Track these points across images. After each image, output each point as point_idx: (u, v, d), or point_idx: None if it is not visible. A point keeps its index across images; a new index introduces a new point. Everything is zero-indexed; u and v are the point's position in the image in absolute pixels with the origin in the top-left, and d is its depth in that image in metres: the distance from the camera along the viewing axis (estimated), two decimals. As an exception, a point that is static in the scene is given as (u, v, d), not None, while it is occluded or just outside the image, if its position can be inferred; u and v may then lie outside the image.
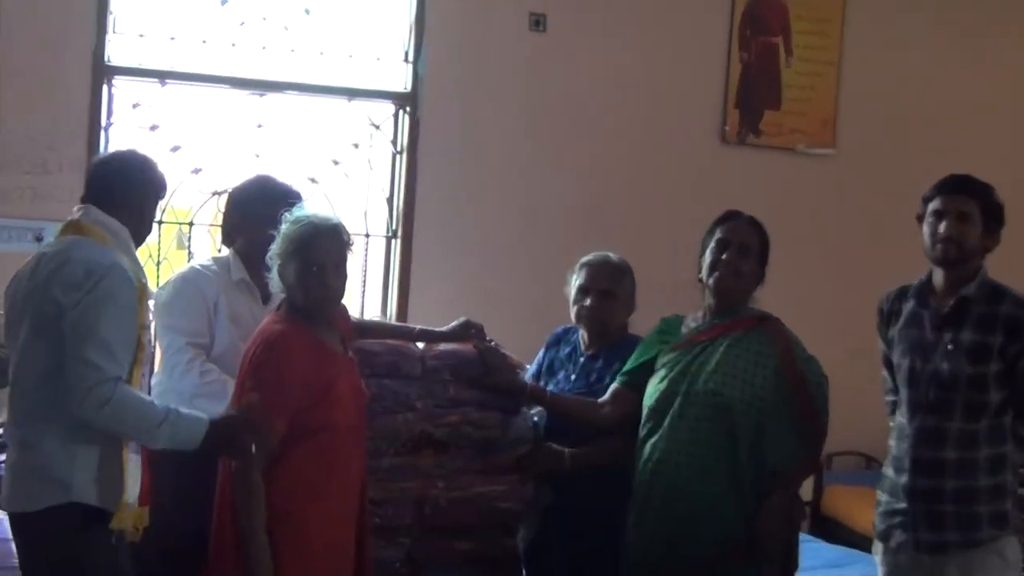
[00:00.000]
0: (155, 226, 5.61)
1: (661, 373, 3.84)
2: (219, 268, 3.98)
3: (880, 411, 5.30)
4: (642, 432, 3.83)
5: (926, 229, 3.74)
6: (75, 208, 3.51)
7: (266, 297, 3.95)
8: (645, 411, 3.84)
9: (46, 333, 3.29)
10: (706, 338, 3.83)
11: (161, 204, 5.59)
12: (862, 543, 5.65)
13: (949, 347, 3.65)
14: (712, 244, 3.84)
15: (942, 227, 3.67)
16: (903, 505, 3.72)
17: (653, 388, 3.84)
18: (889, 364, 3.91)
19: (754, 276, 3.86)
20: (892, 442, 3.82)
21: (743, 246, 3.81)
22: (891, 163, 6.75)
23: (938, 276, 3.76)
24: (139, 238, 3.58)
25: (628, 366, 3.99)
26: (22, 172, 5.68)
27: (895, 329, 3.83)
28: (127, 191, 3.52)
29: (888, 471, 3.82)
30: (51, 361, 3.28)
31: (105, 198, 3.49)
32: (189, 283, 3.93)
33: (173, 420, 3.24)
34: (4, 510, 3.36)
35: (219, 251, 4.46)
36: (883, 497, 3.83)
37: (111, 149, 5.73)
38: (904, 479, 3.71)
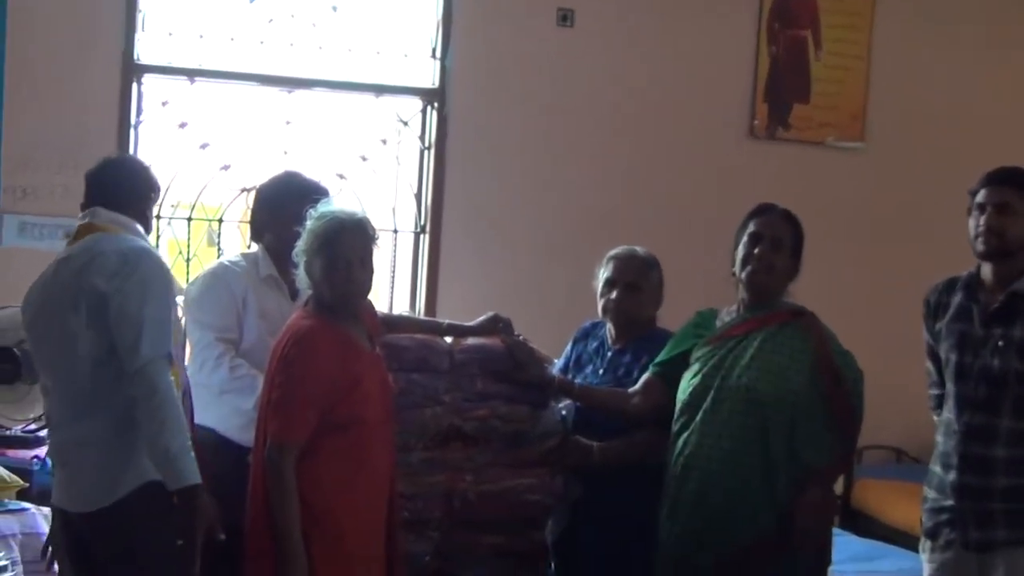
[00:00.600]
0: (182, 221, 5.81)
1: (695, 368, 3.83)
2: (248, 264, 4.01)
3: (911, 405, 5.32)
4: (675, 426, 3.82)
5: (971, 223, 3.70)
6: (80, 216, 3.55)
7: (294, 293, 3.96)
8: (679, 405, 3.83)
9: (93, 324, 3.32)
10: (740, 332, 3.80)
11: (191, 201, 5.76)
12: (893, 537, 5.65)
13: (1000, 343, 3.60)
14: (745, 238, 3.81)
15: (983, 219, 3.64)
16: (951, 503, 3.66)
17: (687, 383, 3.83)
18: (935, 357, 3.85)
19: (787, 270, 3.82)
20: (939, 438, 3.77)
21: (776, 240, 3.78)
22: (921, 157, 6.72)
23: (986, 270, 3.70)
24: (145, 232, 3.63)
25: (661, 357, 3.97)
26: (53, 170, 5.72)
27: (942, 322, 3.77)
28: (131, 194, 3.56)
29: (935, 468, 3.76)
30: (100, 351, 3.33)
31: (110, 201, 3.53)
32: (218, 279, 3.96)
33: (189, 447, 3.27)
34: (77, 511, 3.37)
35: (248, 247, 4.47)
36: (930, 494, 3.78)
37: (131, 148, 5.79)
38: (952, 476, 3.66)
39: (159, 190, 3.72)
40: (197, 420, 3.67)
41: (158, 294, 3.35)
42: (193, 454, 3.26)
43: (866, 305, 6.37)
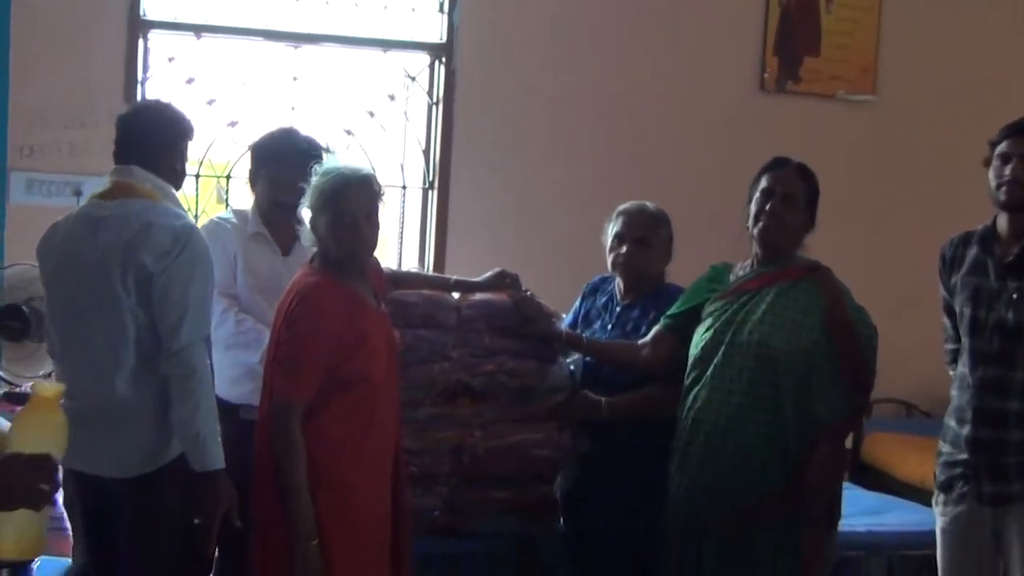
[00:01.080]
0: (191, 177, 5.79)
1: (707, 322, 3.81)
2: (238, 221, 4.05)
3: (922, 359, 5.32)
4: (687, 381, 3.81)
5: (991, 173, 3.66)
6: (115, 167, 3.54)
7: (286, 249, 3.98)
8: (690, 360, 3.82)
9: (139, 299, 3.36)
10: (753, 287, 3.77)
11: (199, 158, 5.75)
12: (902, 490, 5.65)
13: (1014, 296, 3.58)
14: (757, 193, 3.77)
15: (1007, 170, 3.60)
16: (965, 456, 3.66)
17: (699, 338, 3.82)
18: (950, 312, 3.83)
19: (800, 225, 3.77)
20: (954, 392, 3.76)
21: (787, 195, 3.74)
22: (932, 110, 6.67)
23: (1002, 222, 3.68)
24: (176, 188, 3.64)
25: (672, 310, 3.96)
26: (60, 127, 5.70)
27: (958, 276, 3.75)
28: (160, 145, 3.56)
29: (950, 421, 3.76)
30: (142, 323, 3.37)
31: (140, 154, 3.52)
32: (212, 236, 3.94)
33: (214, 433, 3.37)
34: (111, 475, 3.40)
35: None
36: (945, 448, 3.77)
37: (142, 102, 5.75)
38: (966, 430, 3.65)
39: (191, 132, 3.69)
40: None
41: (202, 277, 3.41)
42: (220, 439, 3.35)
43: (877, 259, 6.35)
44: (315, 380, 3.29)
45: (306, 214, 3.47)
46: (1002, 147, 3.64)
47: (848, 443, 5.92)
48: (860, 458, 6.43)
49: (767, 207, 3.73)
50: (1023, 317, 3.56)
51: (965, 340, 3.70)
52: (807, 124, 6.45)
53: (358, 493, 3.34)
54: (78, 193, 5.43)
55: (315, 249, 3.50)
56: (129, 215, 3.39)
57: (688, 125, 6.43)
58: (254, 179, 4.07)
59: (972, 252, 3.74)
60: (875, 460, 6.31)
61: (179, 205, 3.57)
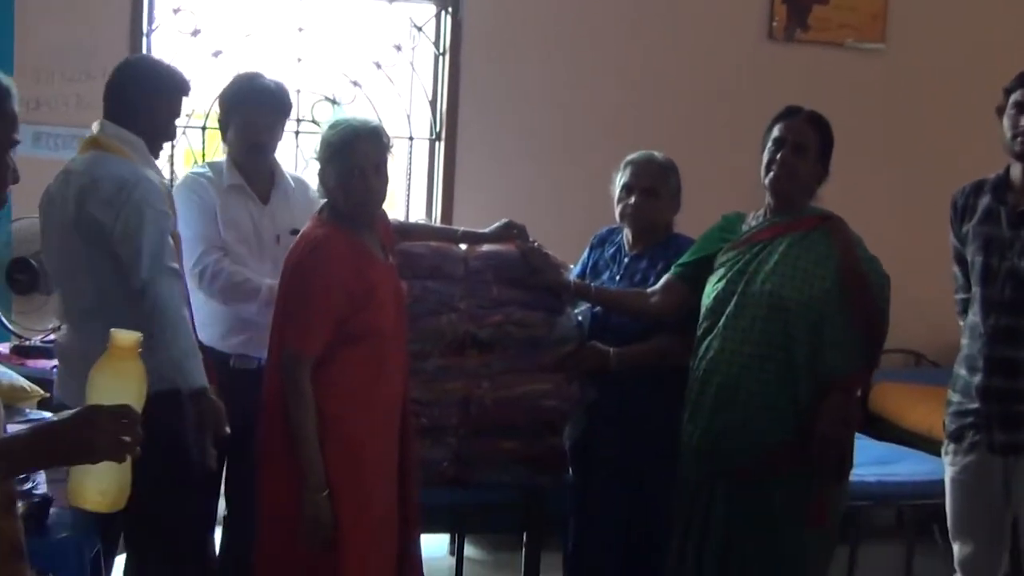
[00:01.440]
0: (197, 130, 5.78)
1: (719, 272, 3.80)
2: (213, 174, 4.06)
3: (931, 309, 5.32)
4: (699, 331, 3.81)
5: (1006, 122, 3.63)
6: (94, 124, 3.61)
7: (264, 197, 3.99)
8: (703, 310, 3.82)
9: (93, 246, 3.45)
10: (766, 237, 3.76)
11: (205, 110, 5.73)
12: (910, 440, 5.66)
13: None
14: (769, 143, 3.75)
15: (1023, 120, 3.57)
16: (976, 405, 3.67)
17: (711, 287, 3.81)
18: (961, 261, 3.83)
19: (812, 175, 3.75)
20: (964, 341, 3.76)
21: (799, 145, 3.71)
22: (942, 58, 6.61)
23: (1016, 171, 3.65)
24: (155, 145, 3.65)
25: (684, 259, 3.95)
26: (66, 79, 5.68)
27: (969, 225, 3.74)
28: (134, 100, 3.58)
29: (960, 370, 3.76)
30: (102, 270, 3.46)
31: (116, 110, 3.59)
32: (191, 191, 4.00)
33: (195, 351, 3.48)
34: None
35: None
36: (955, 397, 3.78)
37: (151, 54, 5.72)
38: (977, 379, 3.65)
39: (177, 88, 3.68)
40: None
41: (154, 218, 3.43)
42: (200, 358, 3.45)
43: (886, 209, 6.32)
44: (325, 332, 3.30)
45: (314, 166, 3.48)
46: (1017, 95, 3.60)
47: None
48: (869, 408, 6.44)
49: (778, 156, 3.71)
50: None
51: (977, 289, 3.69)
52: (816, 73, 6.41)
53: (367, 445, 3.36)
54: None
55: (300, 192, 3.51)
56: (81, 169, 3.49)
57: (696, 74, 6.38)
58: (225, 128, 4.09)
59: (984, 201, 3.72)
60: (883, 410, 6.31)
61: (147, 160, 3.59)
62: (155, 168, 3.63)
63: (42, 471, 4.05)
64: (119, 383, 2.10)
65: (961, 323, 3.87)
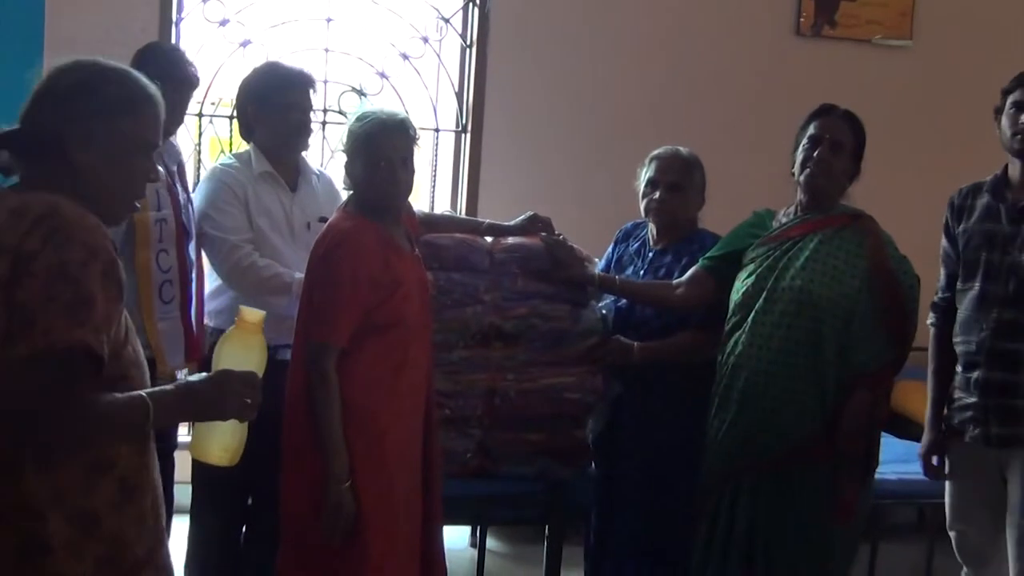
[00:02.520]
0: (223, 119, 5.80)
1: (749, 268, 3.81)
2: (241, 164, 4.05)
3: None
4: (727, 326, 3.82)
5: (1005, 121, 3.70)
6: None
7: (292, 185, 4.01)
8: (731, 306, 3.83)
9: None
10: (796, 234, 3.77)
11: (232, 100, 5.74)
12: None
13: None
14: (804, 140, 3.76)
15: (1022, 118, 3.62)
16: (973, 399, 3.71)
17: (740, 283, 3.82)
18: (948, 261, 3.89)
19: (846, 173, 3.78)
20: (958, 338, 3.79)
21: (835, 143, 3.73)
22: (970, 55, 6.58)
23: (1015, 169, 3.72)
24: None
25: (713, 252, 3.96)
26: (95, 68, 5.71)
27: (966, 224, 3.79)
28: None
29: (957, 367, 3.81)
30: None
31: None
32: (220, 183, 3.99)
33: None
34: None
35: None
36: (956, 393, 3.83)
37: (180, 44, 5.74)
38: (977, 373, 3.69)
39: (178, 80, 3.81)
40: (217, 325, 3.98)
41: None
42: None
43: (911, 205, 6.30)
44: (351, 323, 3.31)
45: (340, 158, 3.50)
46: (1016, 95, 3.68)
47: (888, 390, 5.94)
48: (890, 405, 6.42)
49: (815, 154, 3.72)
50: None
51: (977, 285, 3.72)
52: (843, 69, 6.39)
53: (390, 436, 3.37)
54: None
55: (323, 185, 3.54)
56: None
57: (723, 70, 6.37)
58: (255, 118, 4.07)
59: (983, 200, 3.77)
60: (905, 408, 6.29)
61: None
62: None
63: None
64: (246, 353, 2.37)
65: (929, 324, 3.93)
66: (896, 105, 6.47)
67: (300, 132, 4.05)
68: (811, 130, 3.75)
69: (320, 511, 3.28)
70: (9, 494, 2.14)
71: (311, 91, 4.09)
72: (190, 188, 4.15)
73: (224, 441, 2.40)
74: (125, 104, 2.28)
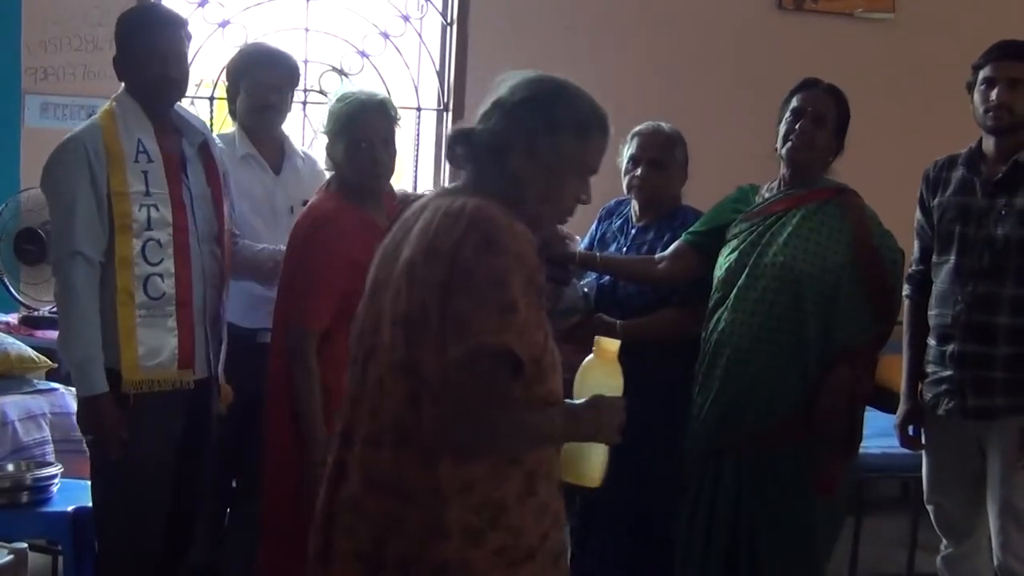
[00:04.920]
0: (205, 100, 5.76)
1: (732, 244, 3.80)
2: (225, 144, 3.96)
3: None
4: (711, 303, 3.82)
5: (977, 97, 3.72)
6: None
7: (276, 168, 3.98)
8: (715, 282, 3.82)
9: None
10: (779, 209, 3.76)
11: (213, 80, 5.70)
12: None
13: (1003, 212, 3.64)
14: (787, 113, 3.75)
15: (993, 94, 3.65)
16: (949, 372, 3.72)
17: (723, 259, 3.81)
18: (922, 234, 3.90)
19: (829, 147, 3.77)
20: (933, 311, 3.80)
21: (818, 116, 3.72)
22: (952, 27, 6.57)
23: (988, 144, 3.73)
24: (150, 95, 3.43)
25: (696, 227, 3.94)
26: (72, 49, 5.68)
27: (941, 197, 3.80)
28: (118, 53, 3.50)
29: (931, 341, 3.82)
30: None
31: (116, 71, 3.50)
32: None
33: (87, 358, 3.30)
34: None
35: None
36: (930, 368, 3.84)
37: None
38: (951, 346, 3.70)
39: (145, 24, 3.47)
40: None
41: (59, 192, 3.34)
42: (99, 364, 3.29)
43: (893, 179, 6.29)
44: (331, 307, 3.29)
45: (322, 139, 3.47)
46: (986, 71, 3.69)
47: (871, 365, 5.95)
48: (875, 380, 6.43)
49: (797, 126, 3.72)
50: (1011, 233, 3.61)
51: (952, 258, 3.73)
52: (825, 43, 6.39)
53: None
54: (92, 115, 5.41)
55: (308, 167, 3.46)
56: None
57: (705, 44, 6.37)
58: (233, 96, 4.06)
59: (958, 174, 3.79)
60: (889, 382, 6.29)
61: (123, 114, 3.38)
62: (130, 123, 3.38)
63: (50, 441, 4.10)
64: (608, 380, 2.49)
65: (904, 296, 3.93)
66: (879, 78, 6.47)
67: (265, 110, 4.00)
68: (794, 103, 3.74)
69: (301, 495, 3.27)
70: (424, 482, 2.27)
71: (284, 70, 4.05)
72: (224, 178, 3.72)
73: (600, 463, 2.51)
74: (573, 125, 2.38)
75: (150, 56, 3.38)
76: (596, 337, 2.52)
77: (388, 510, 2.32)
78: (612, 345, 2.52)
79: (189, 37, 3.56)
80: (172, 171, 3.42)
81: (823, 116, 3.72)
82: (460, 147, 2.43)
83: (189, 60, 3.57)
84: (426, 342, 2.25)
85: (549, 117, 2.36)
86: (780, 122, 3.78)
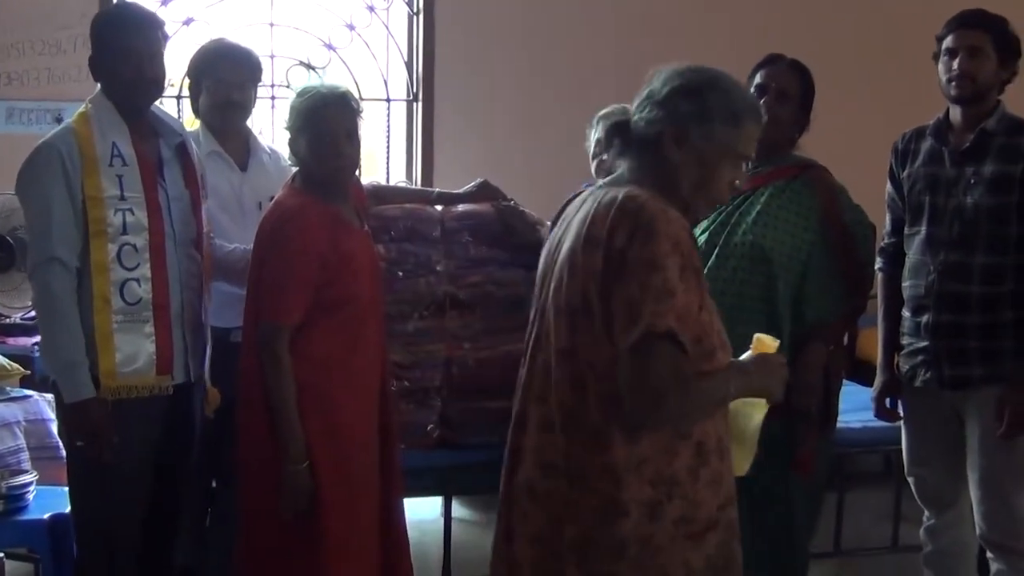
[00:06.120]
0: (172, 99, 5.72)
1: (701, 225, 3.77)
2: None
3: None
4: None
5: (941, 67, 3.72)
6: None
7: (242, 165, 3.95)
8: (686, 264, 3.81)
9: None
10: (747, 188, 3.71)
11: (179, 79, 5.67)
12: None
13: (971, 181, 3.63)
14: (751, 90, 3.75)
15: (955, 64, 3.65)
16: (924, 343, 3.73)
17: (693, 240, 3.80)
18: (893, 206, 3.90)
19: (795, 123, 3.74)
20: (906, 283, 3.80)
21: (781, 92, 3.70)
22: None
23: (955, 113, 3.73)
24: (126, 96, 3.39)
25: None
26: (36, 53, 5.65)
27: (911, 168, 3.80)
28: (94, 55, 3.44)
29: (906, 312, 3.82)
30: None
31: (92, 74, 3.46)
32: None
33: (72, 364, 3.26)
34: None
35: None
36: (905, 340, 3.84)
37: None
38: (926, 317, 3.70)
39: (116, 24, 3.41)
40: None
41: (35, 197, 3.30)
42: (84, 368, 3.25)
43: (867, 153, 6.28)
44: (302, 302, 3.27)
45: (285, 135, 3.45)
46: (948, 41, 3.69)
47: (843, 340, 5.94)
48: (854, 354, 6.44)
49: (761, 103, 3.70)
50: (980, 201, 3.61)
51: (923, 229, 3.74)
52: (791, 14, 6.37)
53: (345, 413, 3.34)
54: (59, 120, 5.38)
55: (274, 162, 3.50)
56: None
57: (672, 25, 6.35)
58: (196, 95, 4.02)
59: (926, 144, 3.79)
60: (870, 356, 6.29)
61: (97, 116, 3.34)
62: (105, 126, 3.34)
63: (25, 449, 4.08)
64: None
65: (877, 270, 3.93)
66: (848, 50, 6.45)
67: (228, 107, 3.96)
68: (757, 79, 3.73)
69: (278, 492, 3.26)
70: (596, 462, 2.37)
71: (247, 67, 4.01)
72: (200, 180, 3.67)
73: (749, 453, 2.62)
74: (727, 114, 2.45)
75: (127, 56, 3.34)
76: (756, 335, 2.61)
77: (562, 493, 2.41)
78: (772, 343, 2.61)
79: (166, 37, 3.51)
80: (148, 174, 3.38)
81: (786, 92, 3.70)
82: (617, 139, 2.52)
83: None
84: (588, 328, 2.35)
85: (701, 107, 2.43)
86: None
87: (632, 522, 2.36)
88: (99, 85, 3.42)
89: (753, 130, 2.49)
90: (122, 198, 3.31)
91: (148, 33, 3.40)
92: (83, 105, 3.41)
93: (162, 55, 3.45)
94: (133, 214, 3.33)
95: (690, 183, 2.45)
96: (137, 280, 3.32)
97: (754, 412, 2.64)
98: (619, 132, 2.51)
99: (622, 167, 2.52)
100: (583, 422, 2.38)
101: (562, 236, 2.51)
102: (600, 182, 2.56)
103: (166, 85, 3.58)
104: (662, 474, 2.37)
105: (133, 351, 3.31)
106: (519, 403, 2.57)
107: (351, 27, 6.08)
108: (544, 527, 2.45)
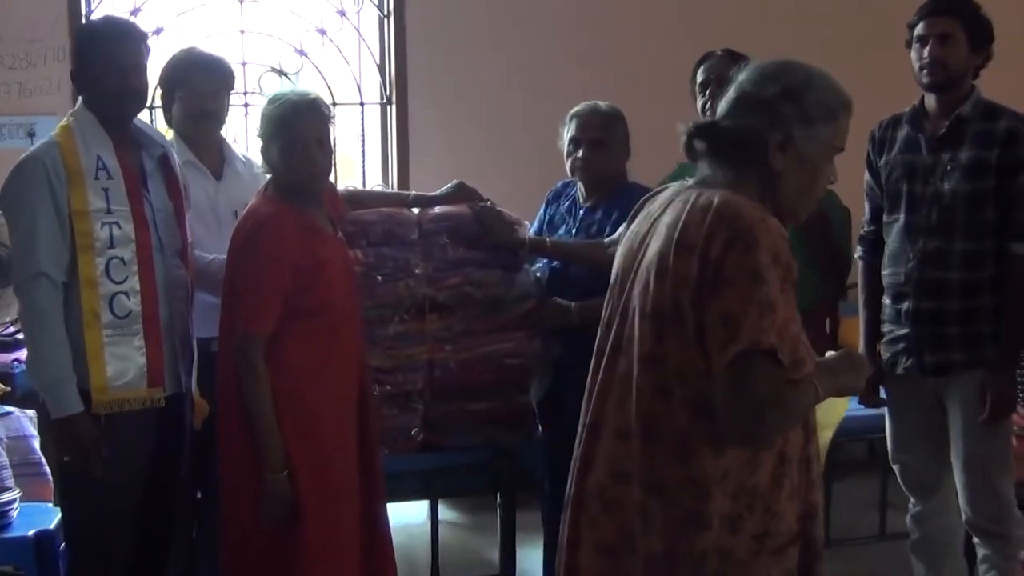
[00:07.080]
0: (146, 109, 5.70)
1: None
2: None
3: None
4: None
5: (913, 55, 3.74)
6: None
7: (217, 173, 3.93)
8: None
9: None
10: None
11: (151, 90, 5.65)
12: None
13: (948, 167, 3.65)
14: (696, 88, 3.79)
15: (926, 51, 3.67)
16: (905, 330, 3.73)
17: (668, 235, 3.81)
18: (871, 195, 3.90)
19: None
20: (886, 271, 3.81)
21: (723, 82, 3.71)
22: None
23: (930, 100, 3.75)
24: (110, 108, 3.38)
25: None
26: (6, 67, 5.62)
27: (888, 156, 3.81)
28: (77, 67, 3.45)
29: (886, 300, 3.83)
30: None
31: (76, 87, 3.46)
32: None
33: (59, 379, 3.25)
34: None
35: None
36: (886, 327, 3.85)
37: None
38: (906, 304, 3.71)
39: (100, 37, 3.41)
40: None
41: (22, 211, 3.28)
42: (71, 384, 3.24)
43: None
44: (275, 311, 3.26)
45: (256, 143, 3.44)
46: (918, 29, 3.71)
47: (826, 328, 5.95)
48: (837, 342, 6.45)
49: (706, 94, 3.73)
50: (957, 187, 3.63)
51: (901, 216, 3.75)
52: (766, 5, 6.37)
53: (324, 420, 3.33)
54: (31, 134, 5.36)
55: (248, 170, 3.54)
56: None
57: (643, 18, 6.34)
58: (168, 105, 4.00)
59: (903, 132, 3.80)
60: (853, 344, 6.32)
61: (81, 129, 3.34)
62: (88, 138, 3.33)
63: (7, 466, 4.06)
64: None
65: (857, 258, 3.95)
66: (825, 36, 6.44)
67: (202, 117, 3.94)
68: (699, 76, 3.81)
69: (258, 501, 3.25)
70: (678, 474, 2.30)
71: (219, 76, 4.00)
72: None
73: (825, 445, 2.54)
74: (826, 112, 2.40)
75: (111, 68, 3.33)
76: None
77: (636, 502, 2.35)
78: None
79: (149, 50, 3.50)
80: (133, 186, 3.37)
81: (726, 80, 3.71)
82: (700, 141, 2.43)
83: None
84: (676, 336, 2.28)
85: (802, 109, 2.37)
86: (694, 98, 3.80)
87: (714, 535, 2.30)
88: (80, 98, 3.42)
89: (847, 123, 2.44)
90: (108, 211, 3.31)
91: (132, 45, 3.41)
92: (65, 118, 3.41)
93: (145, 67, 3.46)
94: (120, 227, 3.32)
95: (795, 187, 2.40)
96: (126, 293, 3.32)
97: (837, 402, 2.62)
98: (703, 134, 2.43)
99: (708, 169, 2.43)
100: (665, 431, 2.32)
101: (647, 235, 2.41)
102: (688, 181, 2.47)
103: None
104: (744, 486, 2.31)
105: (124, 365, 3.31)
106: (593, 408, 2.47)
107: (322, 32, 6.06)
108: (612, 537, 2.39)
